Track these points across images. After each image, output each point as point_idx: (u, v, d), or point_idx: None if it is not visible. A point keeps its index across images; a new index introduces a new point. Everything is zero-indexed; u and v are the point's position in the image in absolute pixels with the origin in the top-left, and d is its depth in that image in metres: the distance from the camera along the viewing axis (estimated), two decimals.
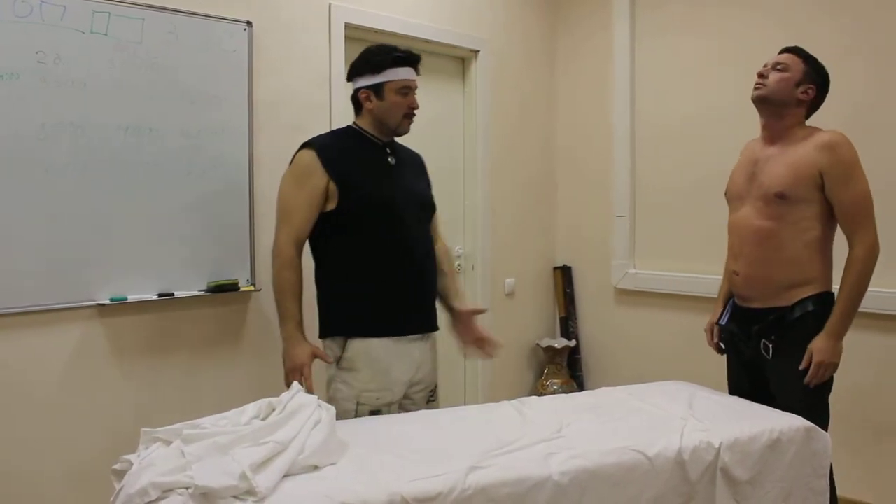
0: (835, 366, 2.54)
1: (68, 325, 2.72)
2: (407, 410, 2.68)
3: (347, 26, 3.56)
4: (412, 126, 2.76)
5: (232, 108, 3.08)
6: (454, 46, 4.11)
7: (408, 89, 2.67)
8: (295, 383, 2.16)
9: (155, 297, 2.89)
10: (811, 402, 2.52)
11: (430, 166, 4.09)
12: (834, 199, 2.54)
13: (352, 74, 2.70)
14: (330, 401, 2.51)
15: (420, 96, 2.76)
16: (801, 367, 2.54)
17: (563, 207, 4.78)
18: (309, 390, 2.37)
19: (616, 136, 4.41)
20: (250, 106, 3.13)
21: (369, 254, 2.60)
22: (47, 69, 2.60)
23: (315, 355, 2.59)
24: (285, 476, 1.78)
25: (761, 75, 2.65)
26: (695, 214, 4.01)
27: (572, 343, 4.61)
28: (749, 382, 2.77)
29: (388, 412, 2.59)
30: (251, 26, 3.13)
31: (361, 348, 2.59)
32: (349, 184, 2.57)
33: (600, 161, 4.51)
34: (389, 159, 2.73)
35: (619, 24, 4.36)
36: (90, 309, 2.77)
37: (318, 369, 2.64)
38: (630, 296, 4.43)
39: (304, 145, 2.63)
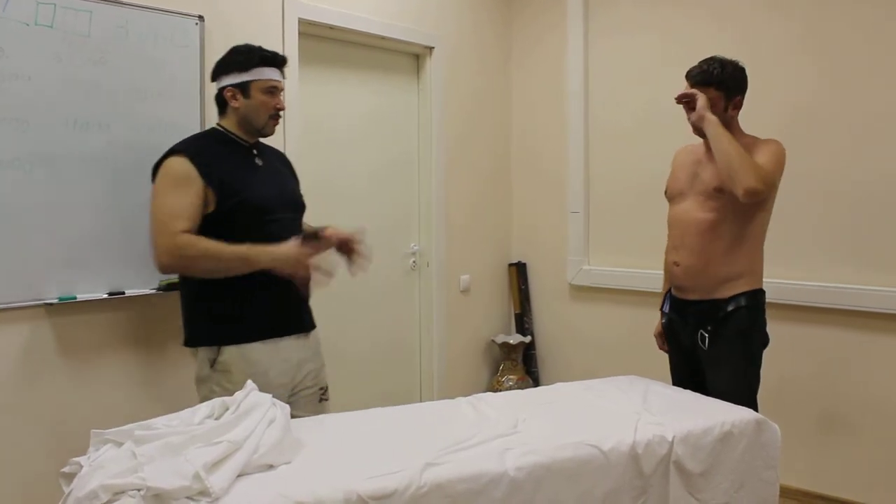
0: (698, 117, 2.68)
1: (15, 326, 2.66)
2: (295, 411, 2.58)
3: (301, 22, 3.53)
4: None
5: (183, 104, 3.03)
6: (409, 43, 4.11)
7: (275, 89, 2.62)
8: (249, 382, 2.13)
9: (105, 296, 2.83)
10: (741, 393, 2.67)
11: (386, 163, 4.11)
12: None
13: (217, 73, 2.63)
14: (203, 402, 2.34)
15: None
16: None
17: (518, 204, 4.80)
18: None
19: (570, 133, 4.45)
20: (202, 102, 3.08)
21: None
22: None
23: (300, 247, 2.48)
24: (240, 476, 1.77)
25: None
26: (648, 211, 4.06)
27: (527, 339, 4.63)
28: (689, 371, 2.92)
29: None
30: (203, 21, 3.09)
31: (237, 353, 2.51)
32: (227, 189, 2.48)
33: (555, 158, 4.55)
34: (256, 160, 2.67)
35: (573, 22, 4.39)
36: (38, 308, 2.70)
37: (190, 369, 2.62)
38: (585, 292, 4.47)
39: (174, 152, 2.51)
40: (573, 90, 4.42)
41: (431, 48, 4.22)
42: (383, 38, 3.96)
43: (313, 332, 2.76)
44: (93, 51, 2.77)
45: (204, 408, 2.01)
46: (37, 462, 2.68)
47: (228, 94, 2.60)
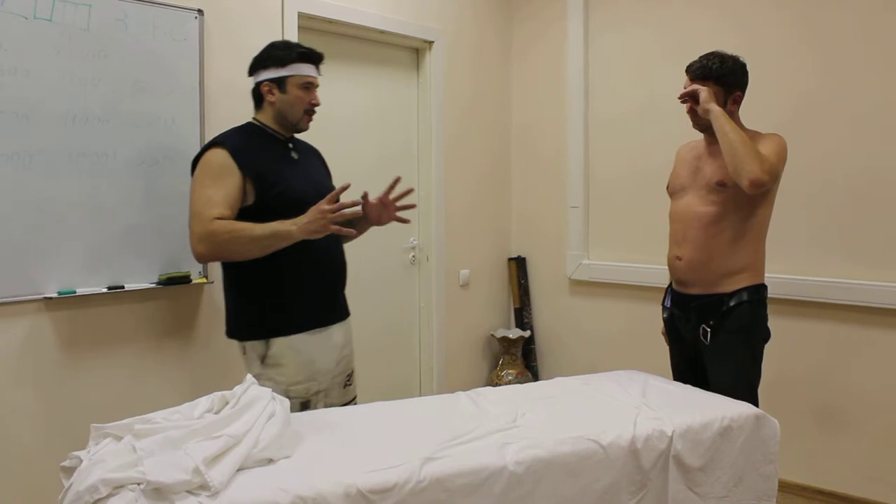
0: (703, 109, 2.69)
1: (14, 320, 2.66)
2: (328, 398, 2.71)
3: (301, 16, 3.52)
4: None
5: (183, 97, 3.03)
6: (408, 37, 4.10)
7: (310, 85, 2.67)
8: (249, 376, 2.13)
9: (105, 290, 2.83)
10: (742, 387, 2.67)
11: (385, 157, 4.11)
12: None
13: (254, 68, 2.68)
14: None
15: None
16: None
17: (518, 198, 4.80)
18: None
19: (570, 127, 4.44)
20: (201, 96, 3.08)
21: (283, 251, 2.51)
22: None
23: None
24: (239, 470, 1.77)
25: (690, 111, 2.80)
26: (647, 205, 4.06)
27: (527, 333, 4.64)
28: (690, 365, 2.92)
29: (316, 401, 2.63)
30: (202, 14, 3.08)
31: (285, 344, 2.58)
32: (265, 181, 2.54)
33: (554, 152, 4.55)
34: (293, 154, 2.73)
35: (573, 16, 4.38)
36: (37, 303, 2.70)
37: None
38: (584, 286, 4.47)
39: (214, 144, 2.56)
40: (573, 85, 4.41)
41: (431, 42, 4.21)
42: (382, 31, 3.95)
43: (348, 318, 2.84)
44: (92, 44, 2.76)
45: (204, 402, 2.01)
46: (36, 456, 2.69)
47: (265, 88, 2.65)
